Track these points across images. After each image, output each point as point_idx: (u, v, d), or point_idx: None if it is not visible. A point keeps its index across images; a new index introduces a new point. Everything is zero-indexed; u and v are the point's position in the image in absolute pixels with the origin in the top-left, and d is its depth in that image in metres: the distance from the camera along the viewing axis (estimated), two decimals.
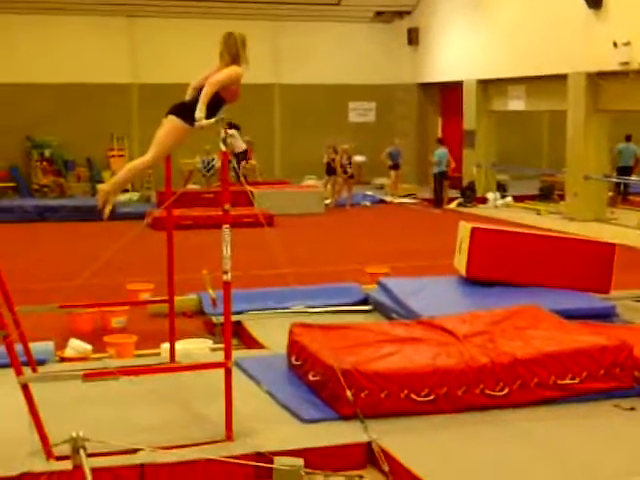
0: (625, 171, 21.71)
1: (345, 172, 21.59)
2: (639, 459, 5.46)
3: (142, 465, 5.33)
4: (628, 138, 22.26)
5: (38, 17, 23.34)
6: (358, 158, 25.80)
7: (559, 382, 6.48)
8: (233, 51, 6.33)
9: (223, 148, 5.69)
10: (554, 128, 24.71)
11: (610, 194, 20.39)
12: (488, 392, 6.36)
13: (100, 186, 6.75)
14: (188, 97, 6.49)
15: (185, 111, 6.30)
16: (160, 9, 23.94)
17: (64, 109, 23.68)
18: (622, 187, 22.08)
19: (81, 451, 4.81)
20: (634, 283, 10.33)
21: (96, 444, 5.06)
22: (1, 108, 23.24)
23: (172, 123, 6.36)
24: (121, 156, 24.14)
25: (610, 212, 19.20)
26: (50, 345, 7.85)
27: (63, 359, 7.94)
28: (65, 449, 4.93)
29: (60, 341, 8.17)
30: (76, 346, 8.15)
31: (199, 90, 6.31)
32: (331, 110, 26.13)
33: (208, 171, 22.12)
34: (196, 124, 6.14)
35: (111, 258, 6.27)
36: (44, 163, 23.10)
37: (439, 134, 25.66)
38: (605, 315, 8.70)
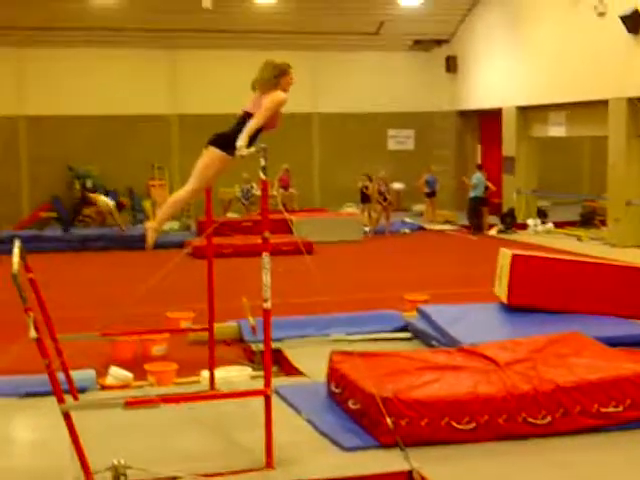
0: None
1: (384, 199, 21.59)
2: None
3: None
4: None
5: (80, 50, 23.73)
6: (397, 185, 25.83)
7: (602, 410, 6.40)
8: (272, 78, 6.34)
9: (263, 176, 5.72)
10: (595, 154, 24.55)
11: None
12: (530, 420, 6.29)
13: (147, 225, 6.82)
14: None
15: (225, 141, 6.33)
16: (200, 40, 24.22)
17: (106, 140, 24.00)
18: None
19: (122, 479, 4.83)
20: None
21: (137, 472, 5.08)
22: (44, 139, 23.64)
23: (212, 154, 6.40)
24: (162, 185, 24.37)
25: None
26: (91, 373, 7.91)
27: (104, 387, 7.99)
28: (107, 477, 4.96)
29: (101, 369, 8.23)
30: (117, 374, 8.20)
31: (239, 119, 6.34)
32: (370, 138, 26.21)
33: (247, 199, 22.25)
34: (237, 153, 6.17)
35: (152, 287, 6.32)
36: (86, 193, 23.36)
37: (478, 160, 25.60)
38: None
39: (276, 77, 6.32)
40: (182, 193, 6.56)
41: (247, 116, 6.30)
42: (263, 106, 6.21)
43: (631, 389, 6.46)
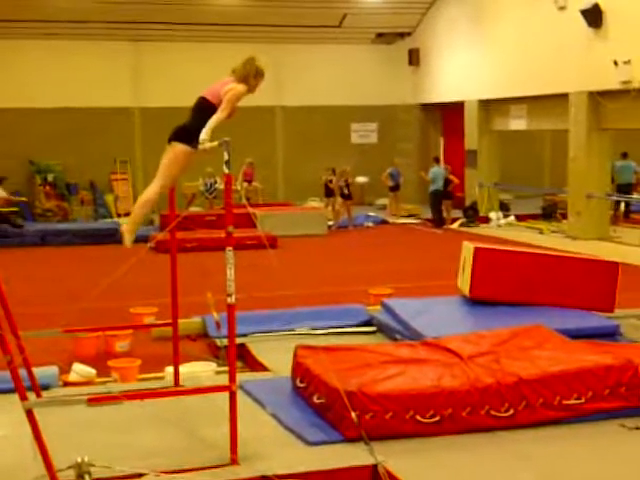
0: (625, 188, 21.71)
1: (342, 194, 21.63)
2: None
3: None
4: (625, 155, 22.27)
5: (42, 42, 23.48)
6: (360, 179, 25.90)
7: (564, 402, 6.46)
8: (245, 74, 6.40)
9: (226, 170, 5.70)
10: (556, 147, 24.77)
11: (612, 212, 20.39)
12: (493, 413, 6.33)
13: (122, 229, 6.77)
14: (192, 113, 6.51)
15: (188, 135, 6.33)
16: (163, 33, 24.07)
17: (67, 133, 23.78)
18: (623, 205, 22.07)
19: (86, 476, 4.80)
20: (638, 301, 10.31)
21: (101, 469, 5.04)
22: (4, 133, 23.36)
23: (176, 149, 6.40)
24: (124, 179, 24.23)
25: (612, 230, 19.19)
26: (54, 370, 7.84)
27: (67, 384, 7.92)
28: (70, 475, 4.92)
29: (64, 366, 8.15)
30: (80, 370, 8.14)
31: (196, 106, 6.35)
32: (333, 131, 26.23)
33: (211, 193, 22.18)
34: (200, 147, 6.17)
35: (114, 282, 6.28)
36: (47, 187, 23.16)
37: (440, 154, 25.72)
38: (610, 334, 8.68)
39: (254, 77, 6.39)
40: (151, 192, 6.55)
41: (204, 101, 6.33)
42: (226, 100, 6.25)
43: (593, 381, 6.52)
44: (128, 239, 6.57)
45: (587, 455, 5.89)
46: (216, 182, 21.66)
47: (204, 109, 6.32)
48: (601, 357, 6.85)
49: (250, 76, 6.42)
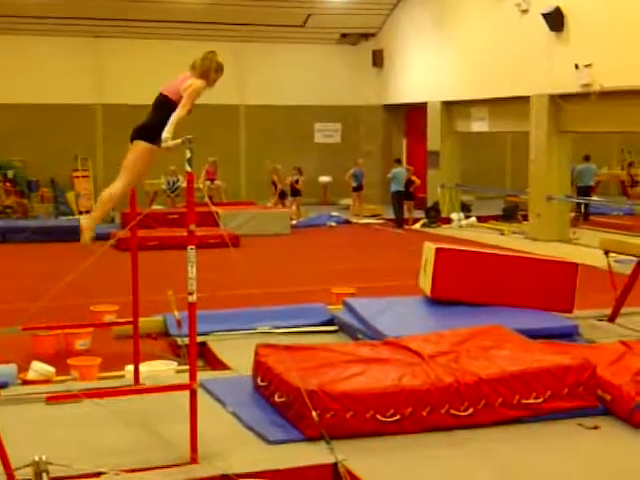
0: (585, 191, 21.95)
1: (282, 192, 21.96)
2: (603, 477, 5.50)
3: None
4: (587, 158, 22.53)
5: (2, 37, 23.21)
6: (324, 179, 25.94)
7: (523, 401, 6.52)
8: (205, 69, 6.38)
9: (188, 169, 5.69)
10: (517, 149, 24.98)
11: (572, 214, 20.62)
12: (453, 412, 6.38)
13: (82, 223, 6.71)
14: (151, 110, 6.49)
15: (150, 133, 6.30)
16: (124, 29, 23.93)
17: (28, 129, 23.54)
18: (583, 207, 22.33)
19: (44, 475, 4.76)
20: (597, 302, 10.42)
21: (59, 467, 5.00)
22: None
23: (139, 147, 6.37)
24: (85, 177, 24.02)
25: (572, 232, 19.39)
26: (12, 368, 7.75)
27: (26, 382, 7.84)
28: (28, 473, 4.87)
29: (23, 364, 8.06)
30: (39, 369, 8.06)
31: (156, 103, 6.33)
32: (297, 131, 26.23)
33: (173, 191, 22.08)
34: (163, 144, 6.14)
35: (75, 279, 6.24)
36: (7, 184, 22.90)
37: (403, 155, 25.83)
38: (568, 334, 8.77)
39: (215, 71, 6.37)
40: (114, 190, 6.50)
41: (164, 98, 6.31)
42: (186, 96, 6.23)
43: (551, 381, 6.59)
44: (87, 235, 6.51)
45: (546, 454, 5.95)
46: (178, 180, 21.56)
47: (164, 105, 6.30)
48: (560, 357, 6.93)
49: (210, 70, 6.40)
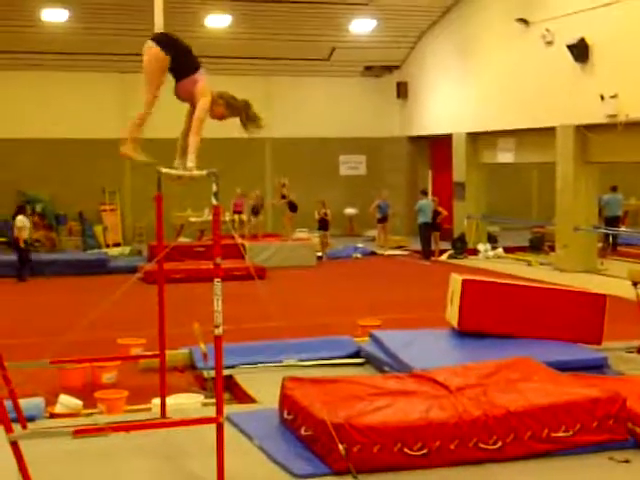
0: (612, 221, 21.80)
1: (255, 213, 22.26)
2: None
3: None
4: (614, 189, 22.39)
5: (31, 73, 23.53)
6: (349, 211, 25.99)
7: (552, 435, 6.45)
8: (235, 105, 6.36)
9: (214, 202, 5.71)
10: (543, 180, 24.91)
11: (599, 245, 20.47)
12: (481, 445, 6.31)
13: (122, 149, 6.76)
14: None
15: (166, 41, 6.40)
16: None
17: (56, 164, 23.77)
18: (611, 238, 22.17)
19: None
20: (625, 334, 10.33)
21: None
22: None
23: (149, 51, 6.37)
24: (113, 210, 24.22)
25: (600, 263, 19.25)
26: (40, 401, 7.78)
27: (53, 415, 7.86)
28: None
29: (50, 397, 8.09)
30: (66, 402, 8.08)
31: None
32: (322, 163, 26.31)
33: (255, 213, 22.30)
34: (187, 174, 6.14)
35: (102, 313, 6.26)
36: (36, 218, 23.10)
37: (429, 186, 25.82)
38: (597, 366, 8.69)
39: (238, 112, 6.35)
40: (144, 108, 6.52)
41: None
42: (197, 117, 6.20)
43: (581, 414, 6.52)
44: (133, 154, 6.47)
45: None
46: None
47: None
48: (589, 390, 6.85)
49: (239, 110, 6.38)
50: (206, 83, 6.32)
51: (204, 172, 5.87)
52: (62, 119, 23.78)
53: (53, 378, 9.08)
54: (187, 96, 6.36)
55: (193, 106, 6.32)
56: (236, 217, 22.35)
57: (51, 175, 23.64)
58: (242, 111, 6.38)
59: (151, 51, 6.35)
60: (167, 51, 6.29)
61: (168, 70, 6.33)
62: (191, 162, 6.09)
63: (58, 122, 23.75)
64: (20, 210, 19.28)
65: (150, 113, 6.56)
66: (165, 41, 6.42)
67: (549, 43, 19.37)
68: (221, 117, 6.42)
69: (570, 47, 18.16)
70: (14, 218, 19.00)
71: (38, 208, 23.20)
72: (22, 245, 18.26)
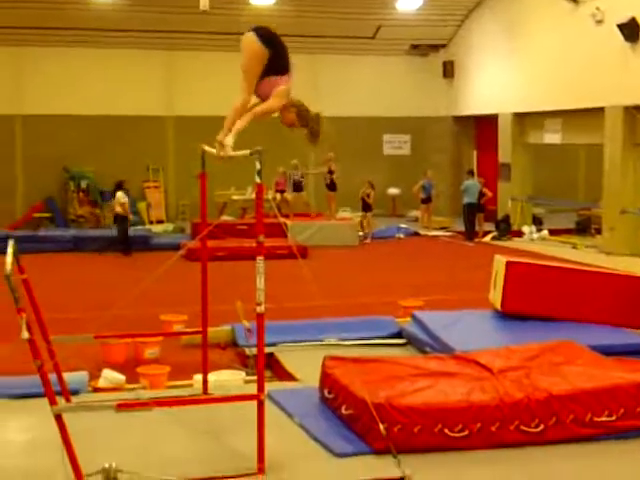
0: None
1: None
2: None
3: None
4: None
5: (76, 49, 23.68)
6: (392, 191, 25.86)
7: (595, 419, 6.39)
8: (306, 117, 6.35)
9: (257, 180, 5.70)
10: (591, 162, 24.58)
11: None
12: (523, 428, 6.27)
13: (221, 140, 6.08)
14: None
15: (268, 37, 6.13)
16: (196, 42, 24.17)
17: (101, 141, 23.95)
18: None
19: None
20: None
21: (129, 475, 5.04)
22: (39, 139, 23.57)
23: (252, 46, 6.06)
24: (156, 187, 24.35)
25: None
26: (84, 375, 7.88)
27: (96, 389, 7.96)
28: (98, 479, 4.93)
29: (93, 371, 8.20)
30: (109, 376, 8.17)
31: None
32: (366, 142, 26.19)
33: (297, 188, 22.21)
34: (224, 153, 6.08)
35: (145, 289, 6.30)
36: (80, 194, 23.33)
37: (474, 167, 25.60)
38: None
39: (308, 125, 6.37)
40: (239, 104, 6.14)
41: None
42: (257, 110, 6.12)
43: (625, 398, 6.45)
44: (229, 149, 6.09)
45: (618, 473, 5.82)
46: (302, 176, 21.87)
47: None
48: (633, 374, 6.77)
49: (308, 120, 6.32)
50: (289, 87, 6.18)
51: (247, 152, 5.84)
52: (107, 96, 23.91)
53: (96, 353, 9.18)
54: (264, 96, 6.19)
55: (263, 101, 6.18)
56: (278, 196, 22.33)
57: (95, 152, 23.81)
58: (311, 123, 6.32)
59: (253, 46, 6.07)
60: (269, 47, 6.07)
61: None
62: (229, 140, 6.04)
63: (103, 99, 23.89)
64: (119, 186, 19.54)
65: (244, 111, 6.18)
66: (267, 36, 6.13)
67: (599, 22, 19.05)
68: (291, 124, 6.33)
69: (620, 26, 17.85)
70: (114, 194, 19.42)
71: (83, 184, 23.40)
72: (130, 218, 18.99)
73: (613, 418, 6.41)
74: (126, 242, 18.64)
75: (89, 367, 8.21)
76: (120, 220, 18.87)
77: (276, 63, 6.13)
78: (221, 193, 22.07)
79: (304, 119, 6.30)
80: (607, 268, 12.71)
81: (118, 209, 18.90)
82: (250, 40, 6.12)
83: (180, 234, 20.99)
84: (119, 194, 19.03)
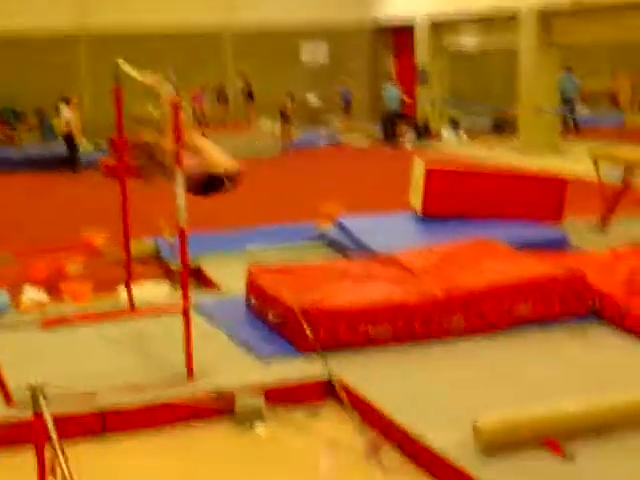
0: (568, 103, 21.73)
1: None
2: (591, 381, 5.60)
3: (103, 408, 5.35)
4: (568, 69, 22.17)
5: None
6: (312, 99, 25.69)
7: (513, 311, 6.58)
8: None
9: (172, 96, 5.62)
10: (506, 63, 24.73)
11: (560, 127, 20.49)
12: (445, 324, 6.44)
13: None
14: None
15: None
16: None
17: (9, 61, 23.13)
18: (572, 119, 22.18)
19: (41, 398, 4.80)
20: (586, 212, 10.45)
21: (56, 390, 5.05)
22: None
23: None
24: (75, 103, 23.70)
25: (562, 144, 19.33)
26: (5, 295, 7.77)
27: (19, 308, 7.86)
28: (25, 395, 4.92)
29: (15, 290, 8.09)
30: (32, 295, 8.08)
31: None
32: (283, 51, 25.84)
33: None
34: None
35: (65, 207, 6.22)
36: None
37: (392, 74, 25.55)
38: (558, 244, 8.82)
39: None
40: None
41: None
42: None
43: (541, 290, 6.65)
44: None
45: (536, 360, 6.03)
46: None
47: None
48: (549, 267, 6.98)
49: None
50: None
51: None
52: (15, 11, 23.02)
53: (17, 272, 9.03)
54: None
55: None
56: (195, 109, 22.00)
57: (6, 72, 23.02)
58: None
59: None
60: None
61: None
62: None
63: (11, 15, 23.00)
64: (64, 101, 19.13)
65: None
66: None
67: None
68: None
69: None
70: (57, 111, 19.24)
71: None
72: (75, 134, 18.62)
73: (530, 309, 6.62)
74: (74, 159, 18.13)
75: (10, 286, 8.10)
76: (67, 137, 18.63)
77: None
78: (138, 110, 21.63)
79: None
80: (524, 168, 12.93)
81: (64, 127, 18.71)
82: None
83: (98, 151, 20.61)
84: (63, 110, 18.80)
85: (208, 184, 6.23)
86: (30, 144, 21.90)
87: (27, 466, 3.70)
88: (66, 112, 18.76)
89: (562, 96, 21.56)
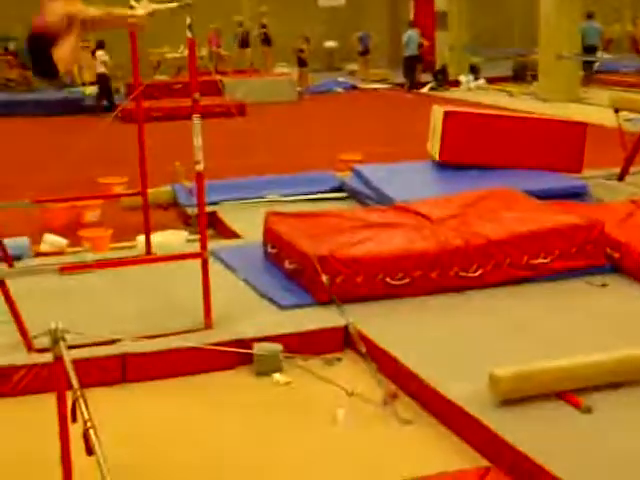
0: (590, 50, 21.39)
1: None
2: (609, 332, 5.59)
3: (123, 355, 5.41)
4: (590, 16, 21.78)
5: None
6: (329, 44, 25.47)
7: (532, 262, 6.56)
8: None
9: (189, 35, 5.57)
10: (527, 8, 24.37)
11: (581, 74, 20.24)
12: (462, 274, 6.43)
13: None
14: None
15: None
16: None
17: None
18: (593, 66, 21.88)
19: (61, 342, 4.84)
20: (606, 162, 10.36)
21: (76, 336, 5.09)
22: None
23: None
24: (86, 47, 23.56)
25: (583, 92, 19.11)
26: (25, 240, 7.82)
27: (39, 254, 7.92)
28: (45, 341, 4.97)
29: (35, 236, 8.14)
30: (51, 241, 8.14)
31: None
32: None
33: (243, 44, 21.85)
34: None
35: (82, 153, 6.22)
36: (9, 57, 22.55)
37: (411, 16, 25.24)
38: (577, 194, 8.75)
39: None
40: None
41: None
42: None
43: (559, 240, 6.62)
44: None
45: (554, 311, 6.03)
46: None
47: None
48: (568, 217, 6.94)
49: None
50: None
51: (174, 4, 5.68)
52: None
53: (36, 218, 9.09)
54: None
55: None
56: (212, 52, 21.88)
57: (23, 12, 22.86)
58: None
59: None
60: None
61: None
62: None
63: None
64: (100, 45, 19.26)
65: None
66: None
67: None
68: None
69: None
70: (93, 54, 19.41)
71: (11, 46, 22.60)
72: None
73: (549, 260, 6.60)
74: (111, 100, 18.54)
75: (30, 232, 8.15)
76: (103, 79, 18.94)
77: None
78: (154, 51, 21.51)
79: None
80: (543, 114, 12.80)
81: (101, 69, 18.95)
82: None
83: (115, 95, 20.52)
84: (99, 53, 18.99)
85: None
86: (46, 89, 21.84)
87: (48, 412, 3.74)
88: (102, 55, 18.94)
89: (584, 43, 21.24)
